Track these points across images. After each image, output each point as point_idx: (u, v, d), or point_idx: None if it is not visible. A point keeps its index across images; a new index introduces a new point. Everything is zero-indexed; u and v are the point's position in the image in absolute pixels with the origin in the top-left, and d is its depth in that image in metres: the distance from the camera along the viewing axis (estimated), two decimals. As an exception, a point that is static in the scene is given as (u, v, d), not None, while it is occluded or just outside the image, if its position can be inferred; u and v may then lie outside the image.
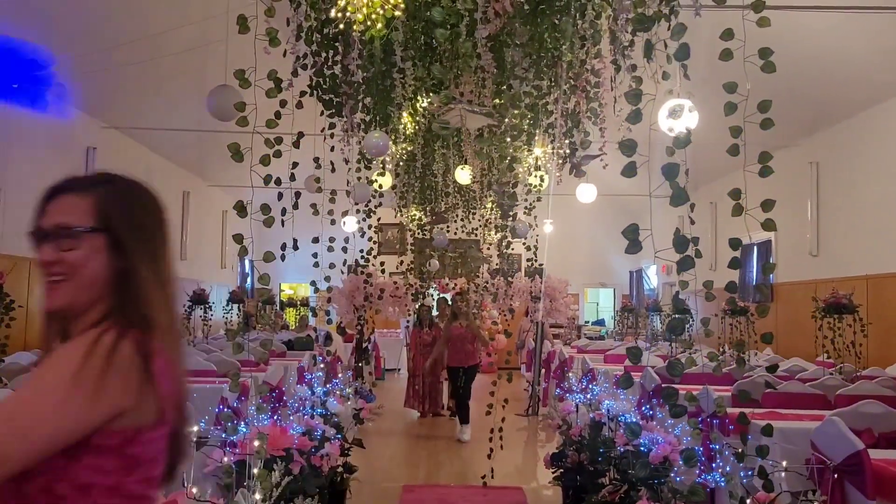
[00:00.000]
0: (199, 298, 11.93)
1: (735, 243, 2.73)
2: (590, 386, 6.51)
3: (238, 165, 3.57)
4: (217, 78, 5.97)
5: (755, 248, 13.54)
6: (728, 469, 2.93)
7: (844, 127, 10.73)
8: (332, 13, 3.38)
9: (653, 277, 20.36)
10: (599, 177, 10.95)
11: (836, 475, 3.55)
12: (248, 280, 20.28)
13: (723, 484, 3.01)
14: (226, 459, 3.37)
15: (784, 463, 3.72)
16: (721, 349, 9.82)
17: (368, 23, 3.27)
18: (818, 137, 11.40)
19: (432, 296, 12.39)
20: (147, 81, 11.02)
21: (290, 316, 19.45)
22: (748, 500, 3.02)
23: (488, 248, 8.28)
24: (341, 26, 3.42)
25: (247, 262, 19.90)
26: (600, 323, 21.87)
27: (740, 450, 2.88)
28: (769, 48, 2.82)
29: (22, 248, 8.61)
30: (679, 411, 2.71)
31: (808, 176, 11.56)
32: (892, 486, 3.56)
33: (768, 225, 2.69)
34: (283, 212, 3.52)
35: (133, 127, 12.19)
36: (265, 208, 3.42)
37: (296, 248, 3.66)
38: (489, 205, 8.16)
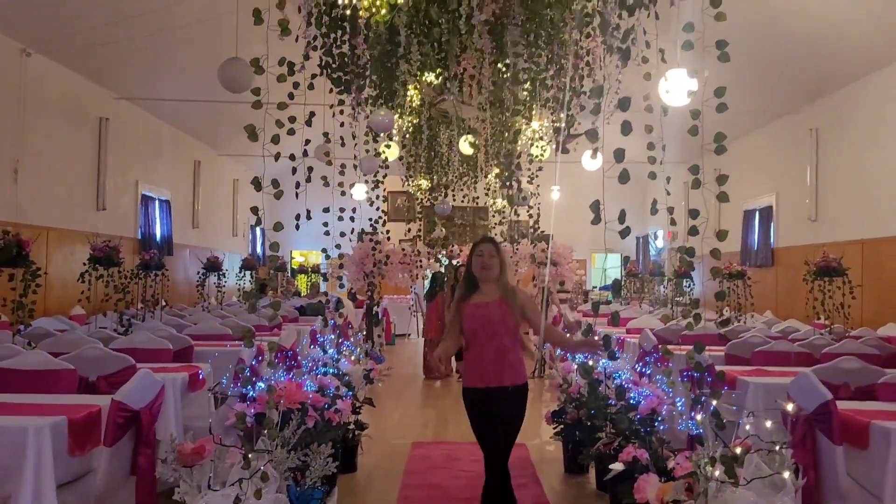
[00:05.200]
0: (213, 265, 12.25)
1: (693, 213, 3.00)
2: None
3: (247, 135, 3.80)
4: (228, 49, 6.09)
5: (757, 213, 13.77)
6: (702, 417, 3.24)
7: (843, 94, 10.90)
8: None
9: (659, 243, 20.61)
10: (606, 143, 11.14)
11: (806, 423, 3.86)
12: (259, 247, 20.64)
13: (700, 431, 3.31)
14: (243, 412, 3.68)
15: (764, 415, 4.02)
16: (720, 312, 10.18)
17: (373, 10, 3.53)
18: (818, 105, 11.57)
19: (440, 262, 12.70)
20: (158, 52, 11.23)
21: (302, 282, 19.81)
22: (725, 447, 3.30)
23: (493, 216, 8.52)
24: (347, 12, 3.68)
25: (258, 231, 20.23)
26: (607, 288, 22.15)
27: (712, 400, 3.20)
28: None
29: (40, 218, 8.91)
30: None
31: (807, 142, 11.74)
32: (857, 433, 3.87)
33: (722, 198, 2.98)
34: (298, 185, 3.80)
35: (144, 98, 12.44)
36: (275, 183, 3.69)
37: (309, 217, 3.95)
38: (493, 174, 8.40)
